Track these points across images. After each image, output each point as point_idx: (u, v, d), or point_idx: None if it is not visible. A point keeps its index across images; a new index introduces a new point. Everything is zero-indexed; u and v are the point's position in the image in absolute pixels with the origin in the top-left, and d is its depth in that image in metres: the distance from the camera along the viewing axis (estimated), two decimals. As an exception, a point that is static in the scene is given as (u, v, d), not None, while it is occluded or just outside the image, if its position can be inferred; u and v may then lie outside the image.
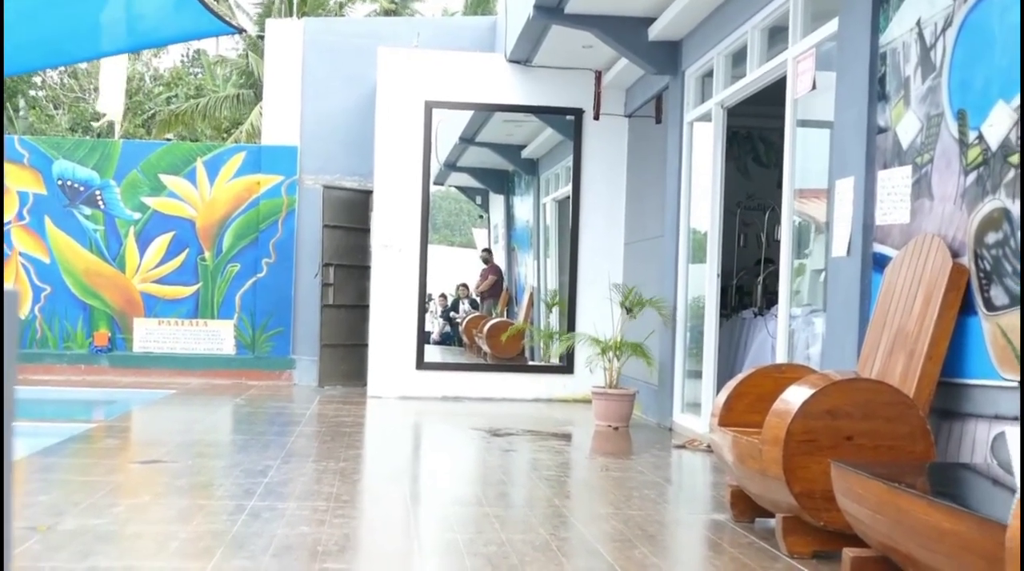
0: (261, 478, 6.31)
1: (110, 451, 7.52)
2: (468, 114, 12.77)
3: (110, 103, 16.02)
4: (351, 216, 13.29)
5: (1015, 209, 4.45)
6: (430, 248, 12.04)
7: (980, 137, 4.73)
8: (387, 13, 31.63)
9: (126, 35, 10.96)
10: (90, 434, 8.28)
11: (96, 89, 30.48)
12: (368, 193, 12.91)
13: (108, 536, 4.74)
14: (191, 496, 5.83)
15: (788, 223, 7.46)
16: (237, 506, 5.47)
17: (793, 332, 7.66)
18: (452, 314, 16.81)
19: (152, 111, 28.95)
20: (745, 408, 5.49)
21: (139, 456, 7.50)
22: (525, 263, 15.31)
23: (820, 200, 7.50)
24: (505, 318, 14.21)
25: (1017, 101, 4.47)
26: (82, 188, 13.46)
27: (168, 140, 27.94)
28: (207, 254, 13.52)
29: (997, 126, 4.60)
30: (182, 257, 13.52)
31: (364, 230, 13.22)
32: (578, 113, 11.85)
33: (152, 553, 4.49)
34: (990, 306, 4.61)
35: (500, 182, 16.40)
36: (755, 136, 11.85)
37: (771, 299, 9.21)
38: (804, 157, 7.50)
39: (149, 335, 13.48)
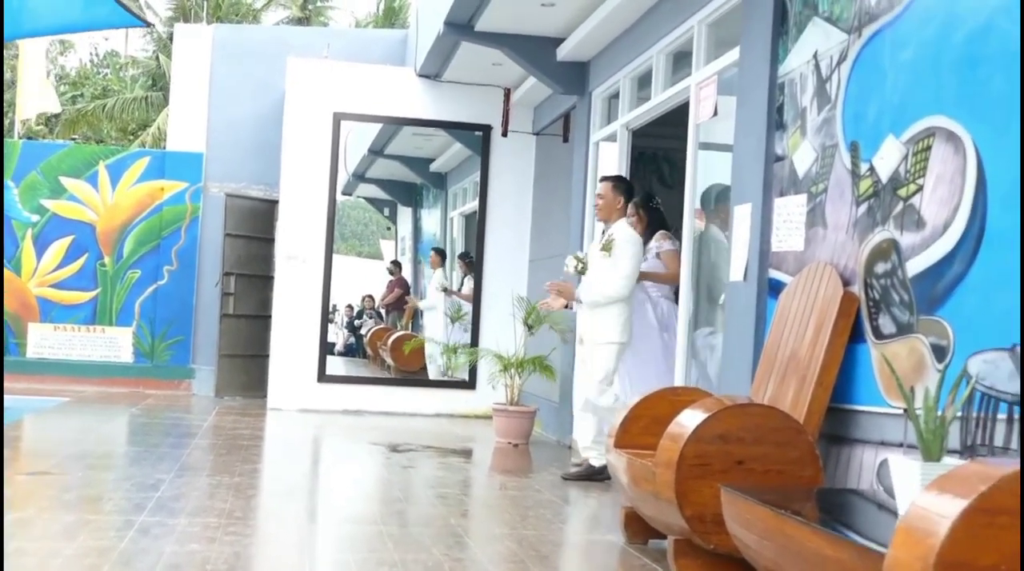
0: (152, 492, 6.21)
1: (-2, 461, 7.34)
2: (378, 126, 12.74)
3: (41, 103, 15.67)
4: (255, 225, 13.17)
5: (903, 241, 4.56)
6: (336, 258, 11.97)
7: (871, 169, 4.84)
8: (299, 21, 31.47)
9: (30, 18, 10.77)
10: (-22, 443, 8.08)
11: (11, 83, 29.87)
12: (274, 203, 12.80)
13: (-10, 552, 4.63)
14: (79, 510, 5.72)
15: (688, 245, 7.55)
16: (126, 521, 5.38)
17: (693, 353, 7.75)
18: (357, 322, 16.71)
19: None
20: (640, 430, 5.54)
21: (27, 467, 7.33)
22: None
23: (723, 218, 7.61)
24: (410, 331, 14.17)
25: (907, 136, 4.59)
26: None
27: (73, 140, 27.45)
28: (107, 259, 13.29)
29: (887, 159, 4.72)
30: (81, 262, 13.27)
31: (268, 240, 13.10)
32: (486, 129, 11.88)
33: (34, 571, 4.40)
34: (878, 334, 4.71)
35: (408, 195, 16.35)
36: (660, 157, 11.97)
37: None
38: (707, 178, 7.61)
39: (44, 341, 13.20)
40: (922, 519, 2.64)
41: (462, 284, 13.13)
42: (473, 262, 12.38)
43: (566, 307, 8.02)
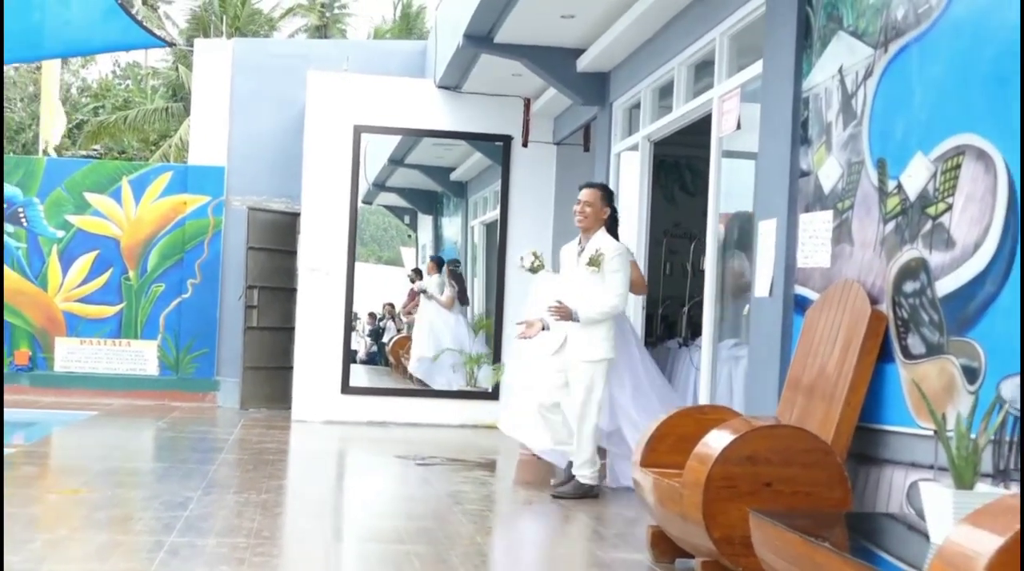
0: (181, 511, 6.23)
1: (28, 479, 7.38)
2: (398, 136, 12.76)
3: (55, 128, 15.77)
4: (277, 238, 13.20)
5: (932, 260, 4.53)
6: (357, 265, 12.00)
7: (899, 187, 4.82)
8: (316, 29, 31.55)
9: (51, 41, 10.83)
10: (8, 460, 8.10)
11: (23, 99, 30.09)
12: (295, 215, 12.82)
13: (22, 577, 4.66)
14: (109, 531, 5.74)
15: (713, 256, 7.53)
16: (156, 542, 5.40)
17: (717, 366, 7.73)
18: (381, 326, 16.72)
19: (78, 121, 28.57)
20: (667, 449, 5.53)
21: (58, 485, 7.38)
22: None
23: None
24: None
25: (935, 154, 4.56)
26: (5, 205, 13.22)
27: (95, 151, 27.60)
28: (131, 274, 13.34)
29: (915, 177, 4.69)
30: (106, 276, 13.33)
31: (290, 252, 13.13)
32: (507, 140, 11.89)
33: (66, 598, 4.42)
34: (907, 354, 4.69)
35: (429, 203, 16.35)
36: (682, 165, 11.96)
37: (696, 329, 9.29)
38: (731, 183, 7.59)
39: (71, 355, 13.27)
40: (957, 555, 2.62)
41: (442, 290, 13.13)
42: (453, 269, 12.46)
43: (544, 329, 7.60)
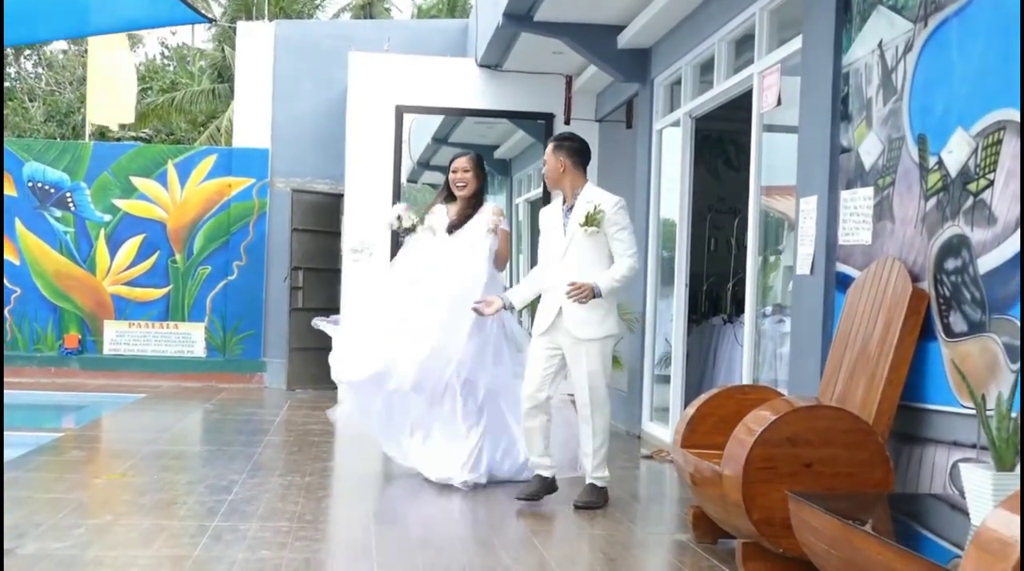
0: (225, 495, 6.28)
1: (75, 464, 7.47)
2: (441, 116, 12.76)
3: (116, 114, 15.84)
4: (321, 219, 13.25)
5: (974, 237, 4.46)
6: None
7: (940, 163, 4.74)
8: (361, 7, 31.54)
9: (98, 17, 10.91)
10: (57, 444, 8.23)
11: (72, 83, 30.36)
12: (339, 196, 12.86)
13: (68, 562, 4.70)
14: (154, 515, 5.80)
15: (755, 232, 7.46)
16: (199, 527, 5.45)
17: (760, 341, 7.67)
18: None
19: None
20: (708, 429, 5.49)
21: (104, 469, 7.46)
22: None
23: (791, 197, 7.50)
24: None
25: (976, 129, 4.48)
26: (53, 190, 13.38)
27: (144, 134, 27.81)
28: (178, 256, 13.46)
29: (956, 153, 4.62)
30: (153, 259, 13.46)
31: (335, 234, 13.18)
32: (549, 118, 11.82)
33: (110, 583, 4.47)
34: (949, 332, 4.62)
35: (473, 181, 16.36)
36: (726, 139, 11.85)
37: (741, 305, 9.23)
38: (773, 156, 7.51)
39: (119, 337, 13.41)
40: (993, 541, 2.58)
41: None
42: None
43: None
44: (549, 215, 6.54)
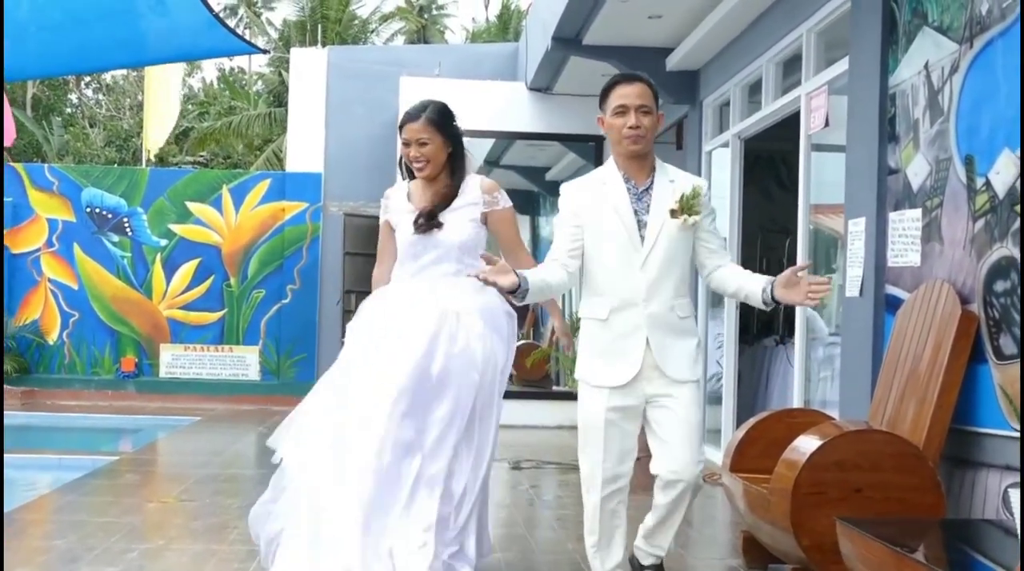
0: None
1: (129, 488, 7.55)
2: (492, 139, 12.82)
3: (159, 135, 16.18)
4: (373, 243, 13.20)
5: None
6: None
7: (987, 184, 4.70)
8: (416, 31, 31.79)
9: (155, 47, 11.12)
10: (112, 468, 8.32)
11: (131, 108, 30.87)
12: (391, 220, 12.92)
13: (119, 587, 4.77)
14: (205, 540, 5.85)
15: (803, 251, 7.43)
16: (249, 552, 5.48)
17: (811, 363, 7.62)
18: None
19: (183, 128, 29.19)
20: (758, 453, 5.46)
21: (158, 493, 7.54)
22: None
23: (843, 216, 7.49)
24: (531, 340, 14.17)
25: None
26: (110, 215, 13.59)
27: (202, 158, 28.17)
28: (232, 280, 13.62)
29: (1003, 174, 4.57)
30: (208, 283, 13.63)
31: (387, 257, 13.25)
32: (599, 140, 11.84)
33: (160, 607, 4.52)
34: (999, 355, 4.57)
35: (525, 203, 16.38)
36: (777, 159, 11.79)
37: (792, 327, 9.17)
38: (823, 172, 7.49)
39: (175, 361, 13.58)
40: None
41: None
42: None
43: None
44: (598, 196, 4.46)
